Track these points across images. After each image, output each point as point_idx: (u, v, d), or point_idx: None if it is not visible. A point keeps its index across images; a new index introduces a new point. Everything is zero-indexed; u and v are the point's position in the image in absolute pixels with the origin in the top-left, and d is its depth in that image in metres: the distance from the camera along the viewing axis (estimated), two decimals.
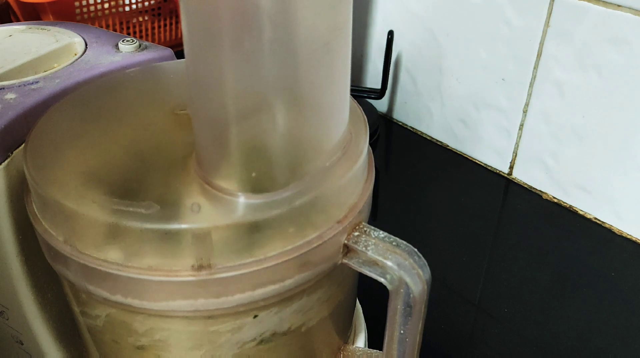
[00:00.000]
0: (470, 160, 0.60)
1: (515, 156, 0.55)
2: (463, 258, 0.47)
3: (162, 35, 0.69)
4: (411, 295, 0.22)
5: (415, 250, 0.23)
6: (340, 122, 0.23)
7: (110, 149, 0.24)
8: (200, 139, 0.21)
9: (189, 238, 0.20)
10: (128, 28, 0.65)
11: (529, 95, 0.52)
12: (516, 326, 0.41)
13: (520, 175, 0.56)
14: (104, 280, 0.21)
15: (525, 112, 0.53)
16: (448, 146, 0.61)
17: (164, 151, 0.24)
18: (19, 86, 0.29)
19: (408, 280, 0.22)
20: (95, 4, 0.60)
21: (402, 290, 0.22)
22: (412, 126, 0.65)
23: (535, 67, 0.51)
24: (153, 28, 0.67)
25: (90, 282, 0.22)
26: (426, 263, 0.23)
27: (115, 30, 0.63)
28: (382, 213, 0.52)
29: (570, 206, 0.52)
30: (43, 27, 0.35)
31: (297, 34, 0.19)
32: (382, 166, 0.60)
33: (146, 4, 0.65)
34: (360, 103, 0.27)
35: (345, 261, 0.23)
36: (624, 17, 0.44)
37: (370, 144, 0.29)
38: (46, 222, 0.23)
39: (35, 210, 0.23)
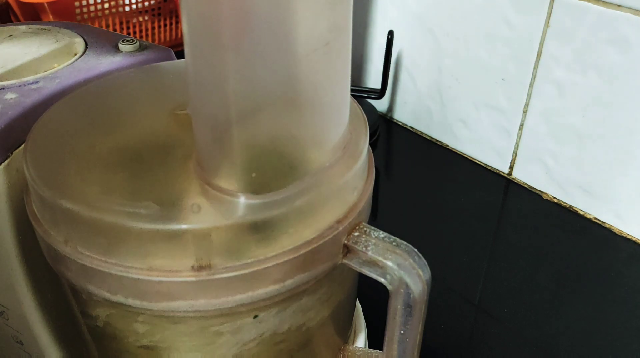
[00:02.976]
0: (470, 160, 0.60)
1: (515, 156, 0.55)
2: (463, 258, 0.47)
3: (162, 35, 0.69)
4: (411, 295, 0.22)
5: (415, 250, 0.23)
6: (340, 122, 0.23)
7: (110, 150, 0.24)
8: (201, 139, 0.21)
9: (189, 239, 0.20)
10: (128, 28, 0.65)
11: (529, 95, 0.52)
12: (516, 326, 0.41)
13: (520, 175, 0.56)
14: (104, 280, 0.21)
15: (525, 112, 0.53)
16: (448, 146, 0.61)
17: (164, 151, 0.24)
18: (19, 86, 0.29)
19: (408, 280, 0.22)
20: (95, 4, 0.60)
21: (402, 290, 0.22)
22: (412, 126, 0.65)
23: (535, 67, 0.51)
24: (153, 28, 0.67)
25: (90, 283, 0.22)
26: (426, 263, 0.23)
27: (115, 30, 0.63)
28: (382, 213, 0.52)
29: (570, 206, 0.52)
30: (43, 27, 0.35)
31: (297, 34, 0.19)
32: (382, 166, 0.60)
33: (146, 4, 0.65)
34: (360, 103, 0.27)
35: (345, 261, 0.23)
36: (624, 17, 0.44)
37: (370, 144, 0.29)
38: (46, 223, 0.23)
39: (35, 210, 0.23)
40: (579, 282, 0.44)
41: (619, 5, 0.44)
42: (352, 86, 0.24)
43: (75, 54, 0.32)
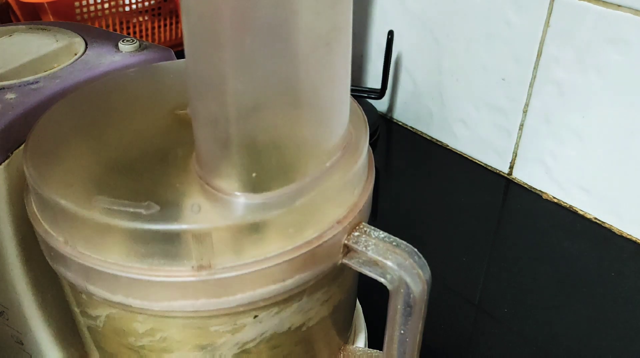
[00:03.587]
0: (470, 160, 0.60)
1: (515, 156, 0.55)
2: (463, 258, 0.47)
3: (162, 35, 0.69)
4: (411, 295, 0.22)
5: (415, 250, 0.23)
6: (340, 122, 0.23)
7: (110, 149, 0.24)
8: (200, 139, 0.21)
9: (189, 239, 0.20)
10: (128, 28, 0.65)
11: (529, 95, 0.52)
12: (516, 326, 0.41)
13: (520, 175, 0.56)
14: (104, 280, 0.21)
15: (525, 112, 0.53)
16: (448, 146, 0.61)
17: (164, 151, 0.24)
18: (19, 86, 0.29)
19: (408, 280, 0.22)
20: (95, 4, 0.60)
21: (402, 290, 0.22)
22: (412, 126, 0.65)
23: (535, 67, 0.51)
24: (153, 28, 0.67)
25: (90, 282, 0.22)
26: (426, 263, 0.23)
27: (115, 30, 0.63)
28: (382, 213, 0.52)
29: (570, 206, 0.52)
30: (43, 27, 0.35)
31: (297, 34, 0.19)
32: (382, 166, 0.60)
33: (146, 4, 0.65)
34: (360, 103, 0.27)
35: (345, 261, 0.23)
36: (624, 17, 0.44)
37: (370, 144, 0.29)
38: (46, 222, 0.23)
39: (35, 210, 0.23)
40: (579, 282, 0.44)
41: (619, 5, 0.44)
42: (352, 86, 0.24)
43: (75, 54, 0.32)
